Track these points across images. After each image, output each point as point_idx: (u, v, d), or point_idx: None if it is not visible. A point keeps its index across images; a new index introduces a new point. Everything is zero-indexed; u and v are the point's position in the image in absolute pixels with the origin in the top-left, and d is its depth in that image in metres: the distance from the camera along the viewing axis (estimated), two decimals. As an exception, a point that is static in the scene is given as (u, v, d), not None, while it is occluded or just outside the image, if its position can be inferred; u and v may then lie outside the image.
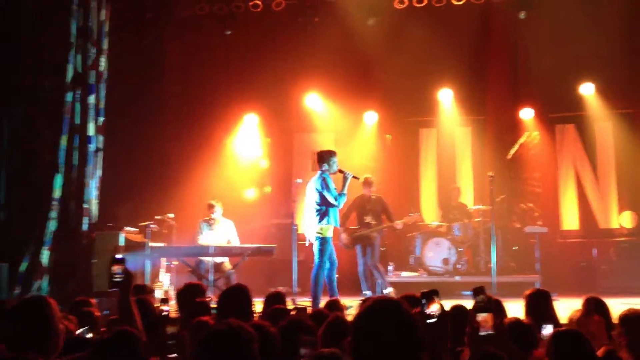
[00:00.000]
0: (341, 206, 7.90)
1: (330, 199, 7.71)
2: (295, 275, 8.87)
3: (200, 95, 11.61)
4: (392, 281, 10.23)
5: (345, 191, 7.82)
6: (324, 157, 7.91)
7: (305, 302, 8.04)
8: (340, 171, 7.90)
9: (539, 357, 3.26)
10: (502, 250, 10.70)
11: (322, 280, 7.85)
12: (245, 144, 12.02)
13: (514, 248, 11.07)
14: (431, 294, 2.79)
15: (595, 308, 4.54)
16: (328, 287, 7.94)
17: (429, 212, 11.79)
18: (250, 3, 10.94)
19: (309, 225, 7.91)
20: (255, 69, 11.63)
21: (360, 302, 4.46)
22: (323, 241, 7.77)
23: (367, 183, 9.47)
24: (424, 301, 2.77)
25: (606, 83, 11.11)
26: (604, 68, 10.88)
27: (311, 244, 7.99)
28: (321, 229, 7.76)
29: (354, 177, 8.00)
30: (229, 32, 11.45)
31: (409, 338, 2.21)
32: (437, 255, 10.50)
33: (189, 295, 4.85)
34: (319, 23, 11.24)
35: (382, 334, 2.20)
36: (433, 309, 2.74)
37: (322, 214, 7.76)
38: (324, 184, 7.73)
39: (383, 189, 11.84)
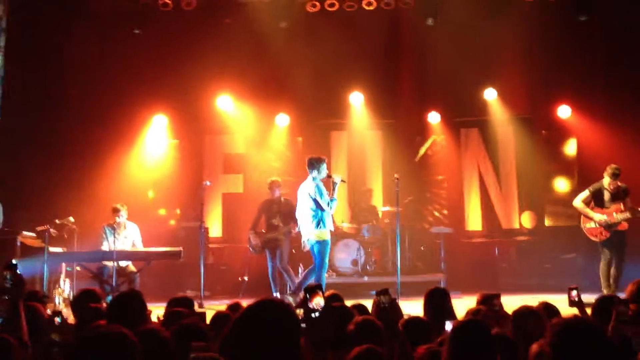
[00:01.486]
0: (333, 210, 8.16)
1: (323, 205, 7.93)
2: (202, 279, 8.71)
3: (106, 95, 11.23)
4: (302, 283, 10.28)
5: (335, 196, 8.08)
6: (314, 163, 8.10)
7: (214, 305, 7.97)
8: (329, 176, 8.16)
9: (422, 352, 3.36)
10: (410, 250, 10.97)
11: (324, 280, 8.14)
12: (153, 146, 11.75)
13: (421, 248, 11.37)
14: (315, 289, 2.80)
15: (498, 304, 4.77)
16: (303, 282, 8.23)
17: (339, 214, 11.88)
18: (160, 2, 10.72)
19: (306, 231, 8.12)
20: (164, 69, 11.40)
21: None
22: (324, 244, 8.03)
23: (275, 185, 9.57)
24: (307, 295, 2.77)
25: (507, 89, 11.59)
26: (505, 74, 11.33)
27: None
28: (320, 232, 8.00)
29: (342, 181, 8.22)
30: (137, 31, 11.18)
31: (288, 340, 2.20)
32: (346, 256, 10.64)
33: (83, 301, 4.70)
34: (230, 24, 11.15)
35: (260, 334, 2.18)
36: (316, 302, 2.75)
37: (319, 219, 7.99)
38: (318, 190, 7.95)
39: (295, 192, 11.90)
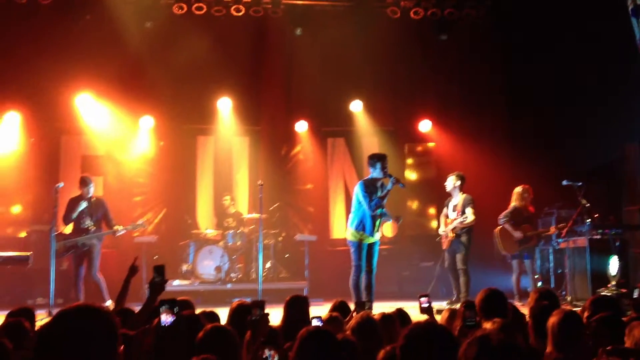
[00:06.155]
0: (373, 212, 7.79)
1: (364, 205, 7.73)
2: (52, 286, 8.13)
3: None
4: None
5: (381, 195, 7.76)
6: (370, 160, 7.91)
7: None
8: (389, 175, 7.76)
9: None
10: (275, 257, 10.96)
11: (358, 284, 7.85)
12: (3, 144, 10.92)
13: (286, 256, 11.39)
14: (171, 304, 2.64)
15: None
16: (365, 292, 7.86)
17: (205, 220, 11.70)
18: (13, -7, 10.06)
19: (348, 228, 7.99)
20: (18, 64, 10.68)
21: None
22: (353, 245, 7.89)
23: (85, 183, 8.85)
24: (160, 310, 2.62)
25: (372, 102, 11.94)
26: (370, 88, 11.68)
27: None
28: (353, 232, 7.88)
29: (399, 182, 7.80)
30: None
31: (104, 347, 2.06)
32: (210, 263, 10.45)
33: None
34: (92, 21, 10.67)
35: (73, 342, 2.03)
36: (164, 319, 2.60)
37: (354, 218, 7.88)
38: (360, 188, 7.80)
39: (160, 195, 11.56)
